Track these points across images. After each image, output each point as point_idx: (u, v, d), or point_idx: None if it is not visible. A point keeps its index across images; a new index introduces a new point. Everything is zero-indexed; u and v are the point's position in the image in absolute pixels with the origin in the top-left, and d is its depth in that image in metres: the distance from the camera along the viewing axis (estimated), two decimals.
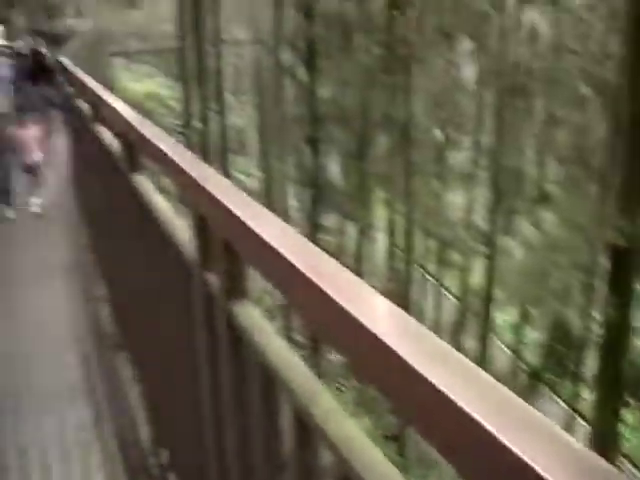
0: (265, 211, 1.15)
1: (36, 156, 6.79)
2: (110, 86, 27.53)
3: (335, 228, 15.69)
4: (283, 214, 17.30)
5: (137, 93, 25.66)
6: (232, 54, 33.85)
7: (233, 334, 1.31)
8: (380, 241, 15.60)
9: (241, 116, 30.85)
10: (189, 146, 18.37)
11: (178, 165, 1.54)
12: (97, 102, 3.43)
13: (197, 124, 14.28)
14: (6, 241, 6.03)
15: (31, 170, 6.80)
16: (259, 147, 23.89)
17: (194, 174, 1.42)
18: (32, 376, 3.68)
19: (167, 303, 2.05)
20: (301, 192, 15.15)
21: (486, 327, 12.69)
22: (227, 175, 18.62)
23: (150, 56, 35.37)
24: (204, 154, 13.87)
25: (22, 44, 8.62)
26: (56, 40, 11.44)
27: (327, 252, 0.89)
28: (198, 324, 1.54)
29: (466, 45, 14.56)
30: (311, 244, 0.95)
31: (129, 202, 2.43)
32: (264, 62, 22.73)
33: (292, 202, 20.26)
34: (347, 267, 0.82)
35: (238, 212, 1.12)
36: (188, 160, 1.58)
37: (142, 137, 2.00)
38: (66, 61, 6.40)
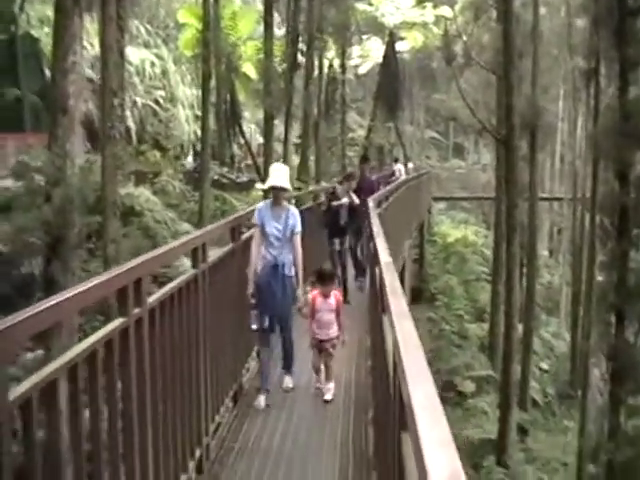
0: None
1: (333, 332, 5.64)
2: (430, 228, 29.19)
3: None
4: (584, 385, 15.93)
5: (452, 238, 27.25)
6: (549, 210, 33.51)
7: None
8: None
9: (554, 274, 29.81)
10: (494, 297, 18.55)
11: None
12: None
13: (504, 276, 14.52)
14: None
15: (322, 348, 5.65)
16: (571, 310, 22.61)
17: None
18: None
19: None
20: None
21: None
22: (529, 332, 18.14)
23: (468, 203, 37.29)
24: (508, 307, 13.77)
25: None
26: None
27: None
28: None
29: None
30: None
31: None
32: (579, 223, 22.09)
33: (595, 372, 18.53)
34: None
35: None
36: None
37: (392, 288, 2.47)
38: (371, 205, 7.01)
